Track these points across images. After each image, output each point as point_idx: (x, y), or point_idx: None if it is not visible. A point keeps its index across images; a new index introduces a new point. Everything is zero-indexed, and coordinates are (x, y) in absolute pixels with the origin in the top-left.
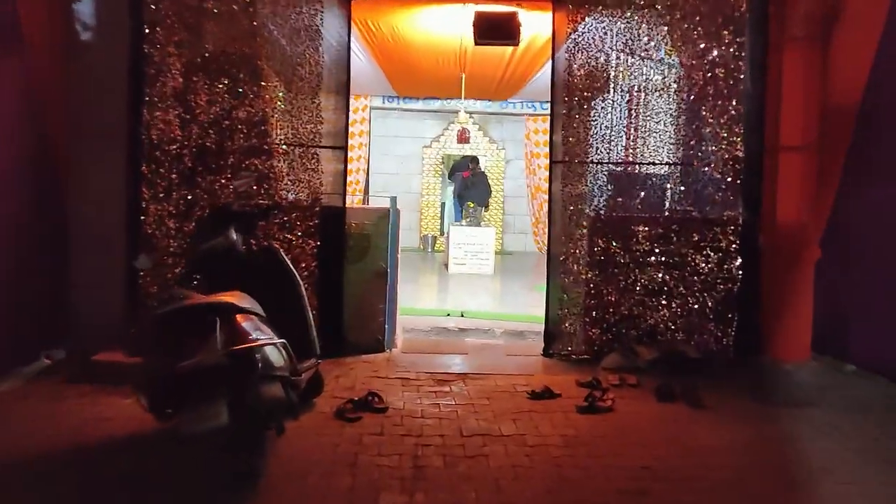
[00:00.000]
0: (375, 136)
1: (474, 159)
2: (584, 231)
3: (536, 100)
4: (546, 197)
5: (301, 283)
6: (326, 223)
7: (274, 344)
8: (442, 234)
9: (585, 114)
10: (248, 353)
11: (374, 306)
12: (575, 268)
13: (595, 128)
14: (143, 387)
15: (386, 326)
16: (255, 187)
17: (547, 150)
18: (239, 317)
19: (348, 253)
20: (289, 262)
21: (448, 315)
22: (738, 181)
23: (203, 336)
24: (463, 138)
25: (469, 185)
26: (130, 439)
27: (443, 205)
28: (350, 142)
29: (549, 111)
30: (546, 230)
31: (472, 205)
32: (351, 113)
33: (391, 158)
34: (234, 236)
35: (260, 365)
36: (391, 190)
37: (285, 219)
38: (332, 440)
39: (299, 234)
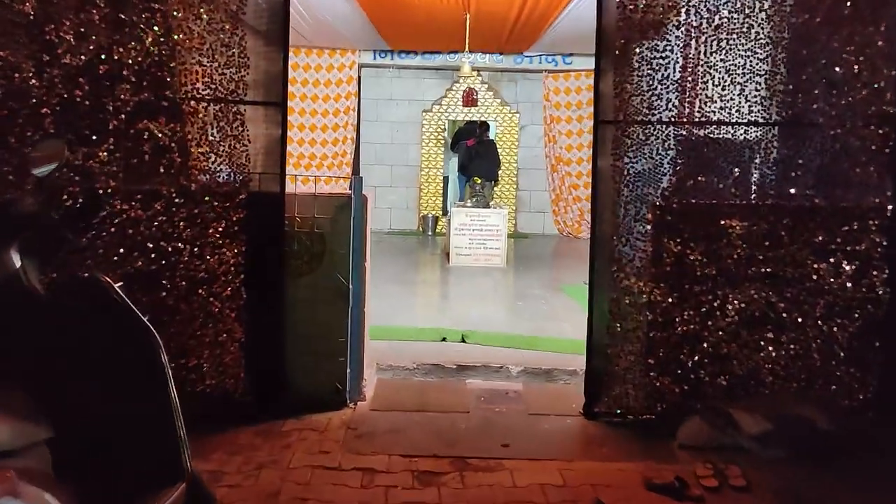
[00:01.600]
0: (366, 99)
1: (484, 125)
2: (648, 226)
3: (558, 52)
4: (568, 169)
5: (160, 344)
6: (258, 217)
7: None
8: (445, 214)
9: (650, 48)
10: None
11: (332, 339)
12: (633, 281)
13: (665, 70)
14: None
15: (348, 369)
16: (65, 163)
17: (570, 112)
18: None
19: (292, 261)
20: (135, 309)
21: (444, 340)
22: (887, 150)
23: None
24: (470, 100)
25: (474, 155)
26: None
27: (446, 179)
28: (335, 105)
29: (573, 66)
30: (568, 209)
31: (478, 181)
32: (336, 71)
33: (385, 125)
34: (17, 261)
35: None
36: (385, 162)
37: (195, 211)
38: None
39: (216, 233)
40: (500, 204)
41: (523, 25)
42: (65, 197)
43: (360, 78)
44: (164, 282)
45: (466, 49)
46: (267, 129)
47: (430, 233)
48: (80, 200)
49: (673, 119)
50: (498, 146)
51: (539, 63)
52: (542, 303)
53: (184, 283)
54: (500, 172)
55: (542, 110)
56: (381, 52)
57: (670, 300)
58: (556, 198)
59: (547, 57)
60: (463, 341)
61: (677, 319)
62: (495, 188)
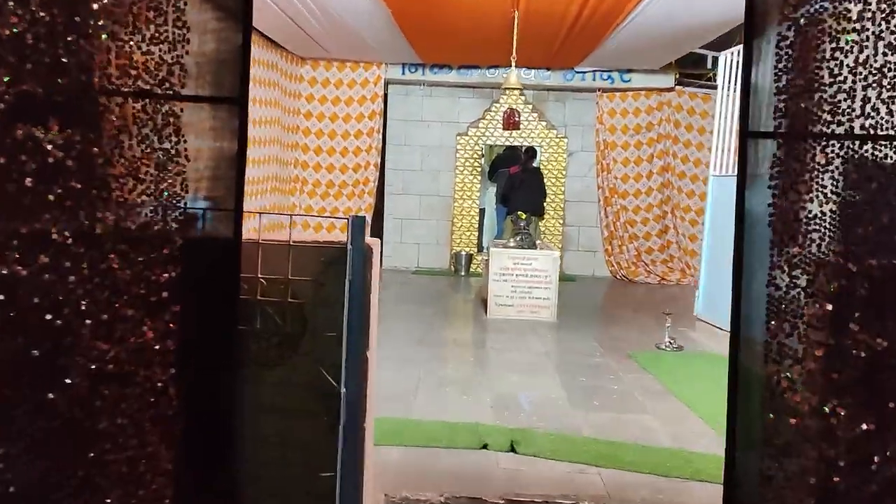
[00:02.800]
0: (393, 120)
1: (531, 151)
2: (827, 305)
3: (615, 67)
4: (624, 203)
5: None
6: (199, 277)
7: None
8: (480, 250)
9: (836, 15)
10: None
11: (310, 473)
12: (802, 394)
13: (861, 50)
14: None
15: None
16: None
17: (627, 137)
18: None
19: (252, 347)
20: None
21: (485, 447)
22: None
23: None
24: (511, 122)
25: (517, 184)
26: None
27: (482, 211)
28: (358, 126)
29: (632, 84)
30: (623, 248)
31: (523, 215)
32: (359, 87)
33: (414, 149)
34: None
35: None
36: (413, 191)
37: (102, 266)
38: None
39: (134, 301)
40: (548, 244)
41: (583, 28)
42: None
43: (386, 95)
44: (51, 377)
45: (514, 55)
46: (216, 139)
47: (462, 272)
48: None
49: (873, 131)
50: (543, 175)
51: (592, 80)
52: (611, 378)
53: (81, 378)
54: (545, 204)
55: (595, 135)
56: (411, 66)
57: (862, 426)
58: (609, 235)
59: (602, 73)
60: (513, 451)
61: (875, 457)
62: (541, 222)
